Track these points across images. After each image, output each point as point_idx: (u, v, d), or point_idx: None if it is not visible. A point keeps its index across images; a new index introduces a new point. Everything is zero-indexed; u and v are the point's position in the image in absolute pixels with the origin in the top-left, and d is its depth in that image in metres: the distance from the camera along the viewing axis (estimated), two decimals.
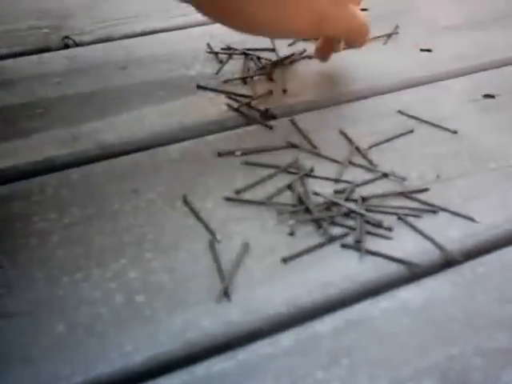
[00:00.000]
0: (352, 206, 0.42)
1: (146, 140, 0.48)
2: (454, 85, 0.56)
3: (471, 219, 0.41)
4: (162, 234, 0.40)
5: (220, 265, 0.38)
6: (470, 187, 0.44)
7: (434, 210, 0.42)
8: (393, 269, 0.38)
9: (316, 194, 0.43)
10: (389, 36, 0.64)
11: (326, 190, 0.44)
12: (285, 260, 0.38)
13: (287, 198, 0.43)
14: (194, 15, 0.67)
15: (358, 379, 0.32)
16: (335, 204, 0.42)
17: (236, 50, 0.59)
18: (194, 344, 0.34)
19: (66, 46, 0.62)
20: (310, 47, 0.61)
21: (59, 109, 0.52)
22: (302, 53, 0.60)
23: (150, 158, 0.47)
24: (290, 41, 0.62)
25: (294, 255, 0.38)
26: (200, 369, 0.32)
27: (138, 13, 0.67)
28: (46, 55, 0.60)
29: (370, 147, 0.48)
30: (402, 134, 0.49)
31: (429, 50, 0.62)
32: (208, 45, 0.61)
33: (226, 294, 0.36)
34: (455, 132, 0.50)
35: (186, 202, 0.42)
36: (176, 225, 0.41)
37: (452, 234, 0.40)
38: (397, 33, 0.64)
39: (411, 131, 0.50)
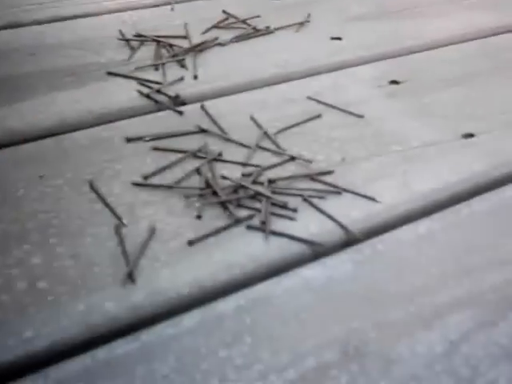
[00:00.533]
0: (258, 188, 0.42)
1: (54, 126, 0.48)
2: (362, 72, 0.58)
3: (373, 199, 0.43)
4: (67, 219, 0.40)
5: (125, 249, 0.38)
6: (373, 169, 0.46)
7: (337, 191, 0.43)
8: (296, 249, 0.39)
9: (224, 177, 0.43)
10: (301, 24, 0.65)
11: (234, 173, 0.44)
12: (191, 242, 0.38)
13: (195, 182, 0.43)
14: (106, 2, 0.66)
15: (260, 355, 0.33)
16: (242, 187, 0.42)
17: (148, 37, 0.59)
18: (96, 328, 0.34)
19: None
20: (223, 34, 0.62)
21: None
22: (214, 40, 0.60)
23: (57, 144, 0.46)
24: (203, 28, 0.62)
25: (199, 237, 0.39)
26: (102, 352, 0.32)
27: None
28: None
29: (279, 132, 0.49)
30: (310, 119, 0.50)
31: (339, 39, 0.63)
32: (120, 31, 0.60)
33: (130, 277, 0.36)
34: (361, 116, 0.51)
35: (92, 187, 0.42)
36: (82, 210, 0.41)
37: (354, 214, 0.42)
38: (308, 21, 0.66)
39: (319, 116, 0.51)
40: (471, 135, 0.51)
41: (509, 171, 0.47)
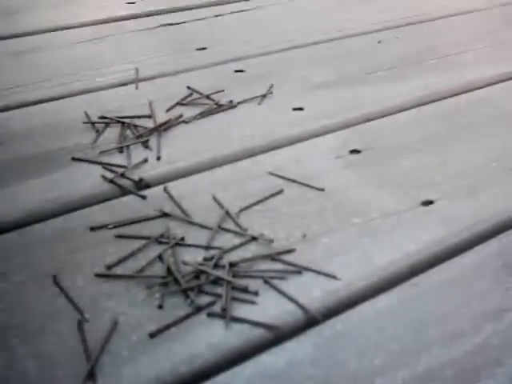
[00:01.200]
0: (219, 272, 0.43)
1: (19, 219, 0.49)
2: (323, 142, 0.59)
3: (333, 277, 0.44)
4: (29, 317, 0.40)
5: (87, 346, 0.38)
6: (333, 244, 0.47)
7: (298, 270, 0.44)
8: (257, 334, 0.39)
9: (185, 263, 0.44)
10: (263, 96, 0.66)
11: (197, 257, 0.45)
12: (152, 335, 0.39)
13: (158, 269, 0.44)
14: (71, 84, 0.68)
15: None
16: (203, 272, 0.43)
17: (112, 118, 0.61)
18: None
19: None
20: (187, 111, 0.63)
21: None
22: (178, 118, 0.62)
23: (21, 237, 0.47)
24: (168, 105, 0.63)
25: (161, 329, 0.39)
26: None
27: (14, 84, 0.68)
28: None
29: (241, 211, 0.50)
30: (271, 196, 0.51)
31: (301, 109, 0.65)
32: (85, 114, 0.62)
33: (91, 376, 0.36)
34: (322, 190, 0.52)
35: (55, 281, 0.43)
36: (44, 307, 0.41)
37: (314, 293, 0.42)
38: (271, 93, 0.67)
39: (280, 192, 0.52)
40: (431, 202, 0.52)
41: (467, 237, 0.48)
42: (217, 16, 0.88)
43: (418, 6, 0.95)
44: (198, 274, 0.43)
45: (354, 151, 0.58)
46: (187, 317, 0.40)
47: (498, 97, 0.69)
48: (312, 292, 0.42)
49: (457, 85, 0.71)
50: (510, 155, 0.58)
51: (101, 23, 0.82)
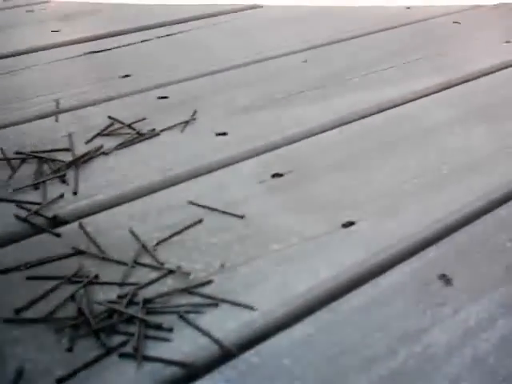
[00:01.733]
0: (133, 310, 0.42)
1: None
2: (245, 167, 0.59)
3: (250, 307, 0.43)
4: None
5: None
6: (252, 274, 0.46)
7: (215, 302, 0.43)
8: (169, 373, 0.38)
9: (97, 302, 0.43)
10: (186, 123, 0.66)
11: (111, 295, 0.44)
12: (59, 381, 0.37)
13: (70, 310, 0.43)
14: None
15: None
16: (116, 311, 0.42)
17: (29, 153, 0.59)
18: None
19: None
20: (108, 142, 0.62)
21: None
22: (97, 149, 0.60)
23: None
24: (88, 137, 0.62)
25: (69, 374, 0.38)
26: None
27: None
28: None
29: (158, 244, 0.49)
30: (190, 226, 0.51)
31: (224, 134, 0.64)
32: (1, 150, 0.60)
33: None
34: (242, 217, 0.52)
35: None
36: None
37: (230, 325, 0.42)
38: (194, 119, 0.67)
39: (200, 221, 0.51)
40: (352, 223, 0.52)
41: (387, 257, 0.48)
42: (142, 41, 0.87)
43: (342, 25, 0.96)
44: (110, 314, 0.42)
45: (277, 175, 0.58)
46: (97, 359, 0.39)
47: (419, 113, 0.70)
48: (227, 325, 0.42)
49: (378, 102, 0.72)
50: (430, 171, 0.58)
51: (23, 53, 0.81)
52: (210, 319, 0.42)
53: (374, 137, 0.65)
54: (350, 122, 0.68)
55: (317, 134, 0.65)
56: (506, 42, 0.91)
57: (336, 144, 0.63)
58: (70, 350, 0.39)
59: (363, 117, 0.69)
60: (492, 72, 0.81)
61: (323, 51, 0.85)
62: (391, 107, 0.71)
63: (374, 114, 0.70)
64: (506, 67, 0.82)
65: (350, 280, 0.46)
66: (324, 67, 0.80)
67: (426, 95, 0.74)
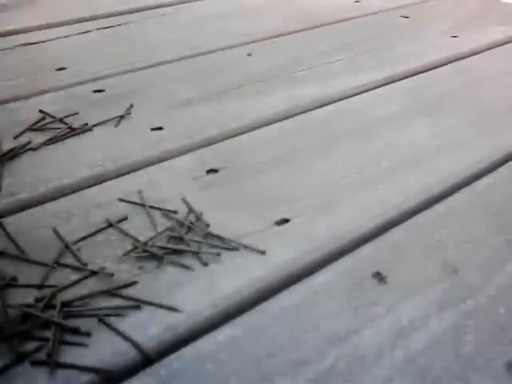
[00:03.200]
0: (49, 314, 0.40)
1: None
2: (180, 163, 0.57)
3: (174, 309, 0.41)
4: None
5: None
6: (179, 273, 0.44)
7: (137, 305, 0.41)
8: (84, 380, 0.36)
9: (11, 306, 0.40)
10: (121, 117, 0.63)
11: (28, 299, 0.41)
12: None
13: None
14: None
15: None
16: (31, 315, 0.40)
17: None
18: None
19: None
20: (37, 137, 0.59)
21: None
22: (25, 145, 0.58)
23: None
24: (17, 132, 0.60)
25: None
26: None
27: None
28: None
29: (76, 242, 0.46)
30: (116, 223, 0.48)
31: (160, 129, 0.62)
32: None
33: None
34: (175, 212, 0.50)
35: None
36: None
37: (152, 329, 0.40)
38: (129, 113, 0.64)
39: (125, 219, 0.49)
40: (286, 220, 0.50)
41: (321, 256, 0.47)
42: (81, 33, 0.84)
43: (289, 18, 0.94)
44: (25, 318, 0.40)
45: (212, 171, 0.56)
46: (8, 367, 0.37)
47: (363, 106, 0.69)
48: (150, 328, 0.40)
49: (321, 97, 0.70)
50: (369, 166, 0.57)
51: None
52: (131, 322, 0.40)
53: (315, 132, 0.63)
54: (291, 116, 0.66)
55: (256, 128, 0.64)
56: (453, 36, 0.90)
57: (275, 139, 0.62)
58: None
59: (305, 111, 0.68)
60: (437, 66, 0.80)
61: (269, 44, 0.84)
62: (335, 101, 0.70)
63: (316, 109, 0.68)
64: (451, 61, 0.82)
65: (281, 280, 0.44)
66: (269, 61, 0.79)
67: (371, 89, 0.73)
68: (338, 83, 0.74)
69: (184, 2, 0.98)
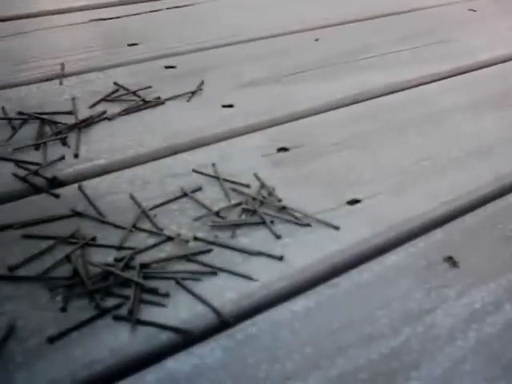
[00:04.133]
0: (129, 274, 0.41)
1: None
2: (251, 140, 0.57)
3: (249, 278, 0.42)
4: None
5: None
6: (252, 245, 0.45)
7: (213, 271, 0.42)
8: (164, 338, 0.37)
9: (92, 264, 0.41)
10: (193, 93, 0.64)
11: (108, 258, 0.43)
12: (51, 339, 0.36)
13: (65, 270, 0.42)
14: None
15: None
16: (112, 273, 0.41)
17: (31, 114, 0.58)
18: None
19: None
20: (112, 107, 0.61)
21: None
22: (101, 114, 0.59)
23: None
24: (92, 102, 0.61)
25: (61, 333, 0.37)
26: None
27: None
28: None
29: (158, 210, 0.47)
30: (191, 193, 0.49)
31: (230, 106, 0.63)
32: (3, 109, 0.59)
33: None
34: (247, 186, 0.51)
35: None
36: None
37: (228, 295, 0.40)
38: (201, 89, 0.65)
39: (199, 189, 0.50)
40: (357, 201, 0.50)
41: (392, 237, 0.47)
42: (152, 11, 0.85)
43: (356, 6, 0.94)
44: (106, 276, 0.41)
45: (282, 149, 0.56)
46: (91, 320, 0.38)
47: (431, 95, 0.68)
48: (226, 294, 0.41)
49: (390, 83, 0.70)
50: (441, 154, 0.57)
51: (26, 17, 0.79)
52: (207, 287, 0.41)
53: (383, 117, 0.63)
54: (359, 101, 0.66)
55: (325, 111, 0.64)
56: None
57: (344, 122, 0.62)
58: (63, 309, 0.38)
59: (373, 97, 0.67)
60: (506, 60, 0.79)
61: (336, 30, 0.84)
62: (402, 89, 0.69)
63: (383, 95, 0.68)
64: None
65: (353, 256, 0.45)
66: (336, 46, 0.79)
67: (438, 79, 0.72)
68: (406, 72, 0.73)
69: None
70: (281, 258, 0.43)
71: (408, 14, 0.93)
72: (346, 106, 0.65)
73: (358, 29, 0.86)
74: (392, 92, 0.69)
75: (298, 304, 0.40)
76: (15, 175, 0.50)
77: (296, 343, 0.38)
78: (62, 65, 0.68)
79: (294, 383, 0.35)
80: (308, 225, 0.47)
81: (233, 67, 0.71)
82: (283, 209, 0.48)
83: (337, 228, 0.47)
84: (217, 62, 0.72)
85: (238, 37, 0.79)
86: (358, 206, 0.50)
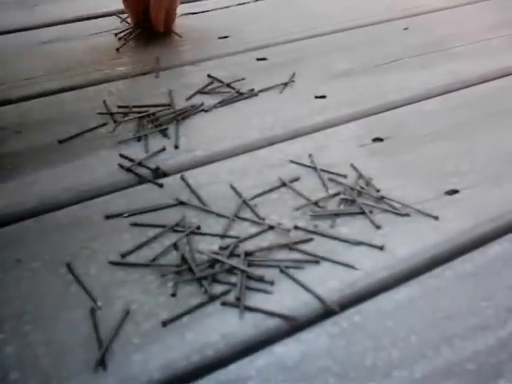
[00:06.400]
0: (234, 262, 0.42)
1: (35, 207, 0.48)
2: (345, 130, 0.58)
3: (351, 267, 0.42)
4: (42, 304, 0.40)
5: (99, 333, 0.37)
6: (353, 234, 0.45)
7: (316, 260, 0.43)
8: (271, 324, 0.38)
9: (199, 252, 0.43)
10: (285, 84, 0.65)
11: (212, 246, 0.44)
12: (164, 323, 0.38)
13: (173, 257, 0.43)
14: (92, 73, 0.68)
15: None
16: (218, 261, 0.42)
17: (131, 107, 0.60)
18: None
19: None
20: (207, 99, 0.62)
21: None
22: (198, 106, 0.61)
23: (37, 225, 0.46)
24: (188, 94, 0.63)
25: (173, 317, 0.38)
26: None
27: (34, 74, 0.67)
28: None
29: (258, 199, 0.49)
30: (290, 182, 0.50)
31: (323, 97, 0.63)
32: (104, 103, 0.61)
33: (101, 363, 0.36)
34: (344, 176, 0.51)
35: (69, 269, 0.42)
36: (58, 294, 0.41)
37: (332, 283, 0.41)
38: (293, 81, 0.66)
39: (297, 179, 0.51)
40: (455, 191, 0.50)
41: (494, 227, 0.46)
42: (240, 4, 0.87)
43: None
44: (212, 263, 0.42)
45: (377, 139, 0.57)
46: (200, 305, 0.39)
47: None
48: (329, 282, 0.41)
49: (484, 71, 0.69)
50: None
51: (121, 13, 0.82)
52: (311, 276, 0.42)
53: (478, 107, 0.62)
54: (452, 90, 0.65)
55: (418, 101, 0.63)
56: None
57: (438, 112, 0.61)
58: (173, 295, 0.40)
59: (466, 86, 0.66)
60: None
61: (425, 19, 0.82)
62: (495, 78, 0.68)
63: (477, 84, 0.67)
64: None
65: (455, 247, 0.44)
66: (426, 35, 0.78)
67: None
68: (498, 60, 0.72)
69: None
70: (381, 248, 0.44)
71: (497, 1, 0.91)
72: (439, 95, 0.64)
73: (447, 17, 0.84)
74: (485, 81, 0.67)
75: (401, 293, 0.41)
76: (121, 166, 0.52)
77: (401, 332, 0.38)
78: (157, 58, 0.70)
79: (400, 372, 0.36)
80: (407, 215, 0.47)
81: (324, 57, 0.71)
82: (381, 199, 0.49)
83: (436, 218, 0.47)
84: (307, 53, 0.72)
85: (328, 27, 0.79)
86: (457, 196, 0.50)
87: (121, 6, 0.78)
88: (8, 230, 0.46)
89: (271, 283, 0.41)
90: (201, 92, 0.63)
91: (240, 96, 0.63)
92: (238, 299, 0.39)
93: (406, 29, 0.79)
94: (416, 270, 0.43)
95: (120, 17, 0.81)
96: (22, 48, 0.74)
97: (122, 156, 0.53)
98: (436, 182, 0.51)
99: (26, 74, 0.68)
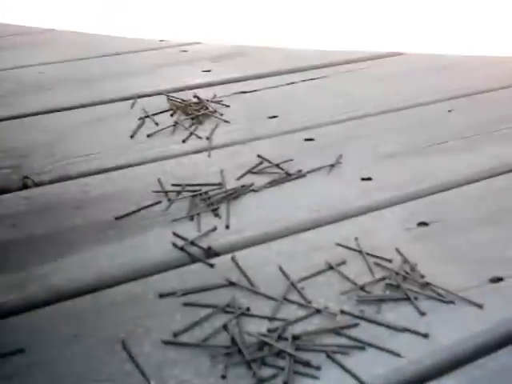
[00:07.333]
0: (283, 345, 0.43)
1: (92, 283, 0.51)
2: (391, 213, 0.59)
3: (397, 354, 0.43)
4: (98, 381, 0.42)
5: None
6: (398, 320, 0.46)
7: (362, 346, 0.44)
8: None
9: (249, 334, 0.45)
10: (332, 166, 0.67)
11: (261, 328, 0.46)
12: None
13: (223, 338, 0.45)
14: (147, 151, 0.71)
15: None
16: (267, 344, 0.44)
17: (185, 185, 0.63)
18: None
19: (25, 186, 0.65)
20: (257, 179, 0.65)
21: (10, 253, 0.54)
22: (248, 186, 0.63)
23: (93, 301, 0.49)
24: (239, 174, 0.65)
25: None
26: None
27: (92, 150, 0.71)
28: (4, 196, 0.63)
29: (305, 282, 0.50)
30: (337, 266, 0.52)
31: (369, 179, 0.65)
32: (159, 181, 0.64)
33: None
34: (390, 261, 0.52)
35: (124, 346, 0.44)
36: (113, 371, 0.42)
37: (377, 370, 0.42)
38: (340, 162, 0.68)
39: (343, 263, 0.52)
40: (500, 279, 0.51)
41: None
42: (288, 84, 0.90)
43: (488, 74, 0.94)
44: (261, 346, 0.44)
45: (422, 223, 0.58)
46: None
47: None
48: (374, 369, 0.42)
49: None
50: None
51: (177, 91, 0.86)
52: (357, 361, 0.43)
53: None
54: (498, 174, 0.67)
55: (462, 185, 0.65)
56: None
57: (483, 197, 0.63)
58: (224, 377, 0.41)
59: (509, 171, 0.68)
60: None
61: (469, 101, 0.85)
62: None
63: None
64: None
65: (500, 336, 0.45)
66: (470, 117, 0.79)
67: None
68: None
69: (383, 57, 1.01)
70: (426, 336, 0.45)
71: None
72: (485, 179, 0.66)
73: (492, 99, 0.86)
74: None
75: (447, 383, 0.41)
76: (174, 244, 0.54)
77: None
78: (210, 138, 0.73)
79: None
80: (451, 302, 0.48)
81: (368, 139, 0.74)
82: (426, 285, 0.50)
83: (480, 306, 0.47)
84: (354, 135, 0.75)
85: (373, 109, 0.82)
86: (502, 284, 0.50)
87: (172, 85, 0.82)
88: (67, 305, 0.48)
89: (318, 368, 0.42)
90: (251, 172, 0.66)
91: (288, 177, 0.65)
92: (286, 383, 0.41)
93: (450, 111, 0.81)
94: (460, 359, 0.43)
95: (171, 98, 0.84)
96: (81, 124, 0.78)
97: (175, 235, 0.56)
98: (480, 269, 0.52)
99: (84, 150, 0.72)
